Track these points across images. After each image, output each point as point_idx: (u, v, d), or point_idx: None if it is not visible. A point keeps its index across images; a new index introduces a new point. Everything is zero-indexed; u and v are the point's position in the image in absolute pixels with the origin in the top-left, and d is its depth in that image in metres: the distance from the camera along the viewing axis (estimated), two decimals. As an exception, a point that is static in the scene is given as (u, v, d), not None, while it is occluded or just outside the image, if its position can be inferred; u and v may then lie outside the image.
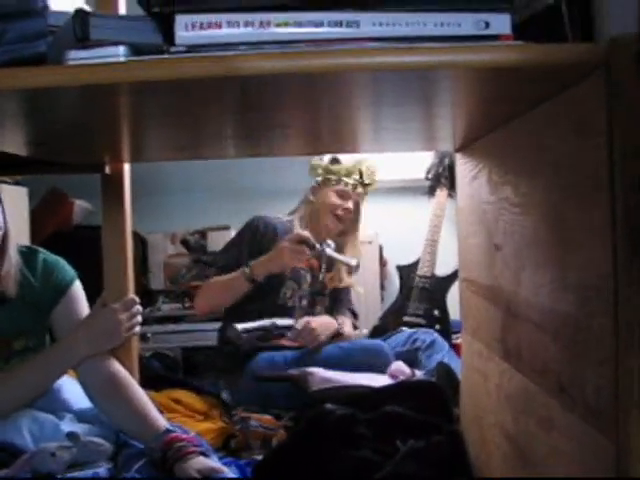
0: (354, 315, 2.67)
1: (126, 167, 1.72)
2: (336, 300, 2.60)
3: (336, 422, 1.60)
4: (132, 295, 1.70)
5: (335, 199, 2.45)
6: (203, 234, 3.17)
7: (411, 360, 2.33)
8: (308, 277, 2.49)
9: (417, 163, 3.45)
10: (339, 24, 0.75)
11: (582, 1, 0.80)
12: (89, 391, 1.60)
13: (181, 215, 3.23)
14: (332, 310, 2.57)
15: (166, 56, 0.73)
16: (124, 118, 1.04)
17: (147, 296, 3.12)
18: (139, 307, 1.65)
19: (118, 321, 1.58)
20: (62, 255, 1.70)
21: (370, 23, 0.75)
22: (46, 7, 0.87)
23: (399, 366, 2.04)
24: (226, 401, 2.20)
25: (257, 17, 0.74)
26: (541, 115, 0.94)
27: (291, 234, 2.31)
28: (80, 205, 3.04)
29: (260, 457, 1.80)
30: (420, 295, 3.09)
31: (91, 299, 1.71)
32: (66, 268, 1.67)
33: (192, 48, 0.73)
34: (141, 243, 3.09)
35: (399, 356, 2.33)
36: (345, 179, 2.43)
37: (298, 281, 2.45)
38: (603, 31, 0.76)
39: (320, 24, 0.74)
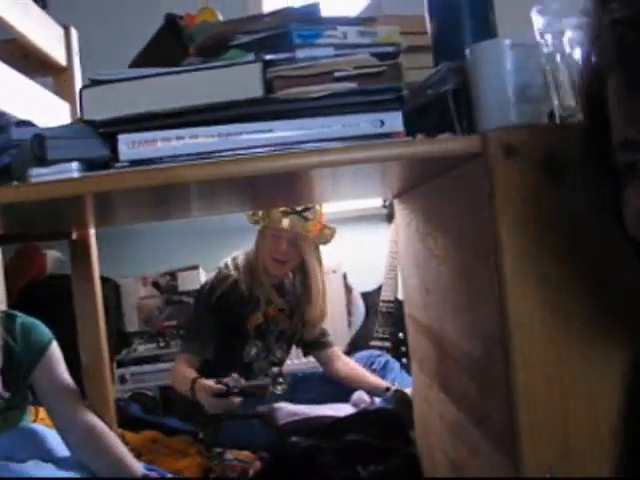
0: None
1: (92, 232, 1.83)
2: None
3: (302, 454, 1.73)
4: None
5: (271, 242, 2.38)
6: (173, 275, 3.29)
7: None
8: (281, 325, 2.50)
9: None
10: (257, 132, 0.88)
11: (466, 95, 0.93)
12: (67, 442, 1.70)
13: (150, 258, 3.34)
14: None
15: (112, 171, 0.86)
16: (88, 210, 1.17)
17: (123, 339, 3.23)
18: None
19: None
20: (37, 303, 1.78)
21: (283, 129, 0.89)
22: (9, 124, 0.99)
23: (360, 395, 2.17)
24: (203, 439, 2.31)
25: (186, 132, 0.87)
26: (441, 186, 1.09)
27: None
28: (52, 256, 3.15)
29: (237, 490, 1.92)
30: (385, 319, 3.22)
31: (68, 346, 1.80)
32: (43, 330, 1.75)
33: (134, 163, 0.86)
34: (115, 289, 3.20)
35: None
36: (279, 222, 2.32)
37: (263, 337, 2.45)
38: (481, 124, 0.90)
39: (239, 134, 0.88)
